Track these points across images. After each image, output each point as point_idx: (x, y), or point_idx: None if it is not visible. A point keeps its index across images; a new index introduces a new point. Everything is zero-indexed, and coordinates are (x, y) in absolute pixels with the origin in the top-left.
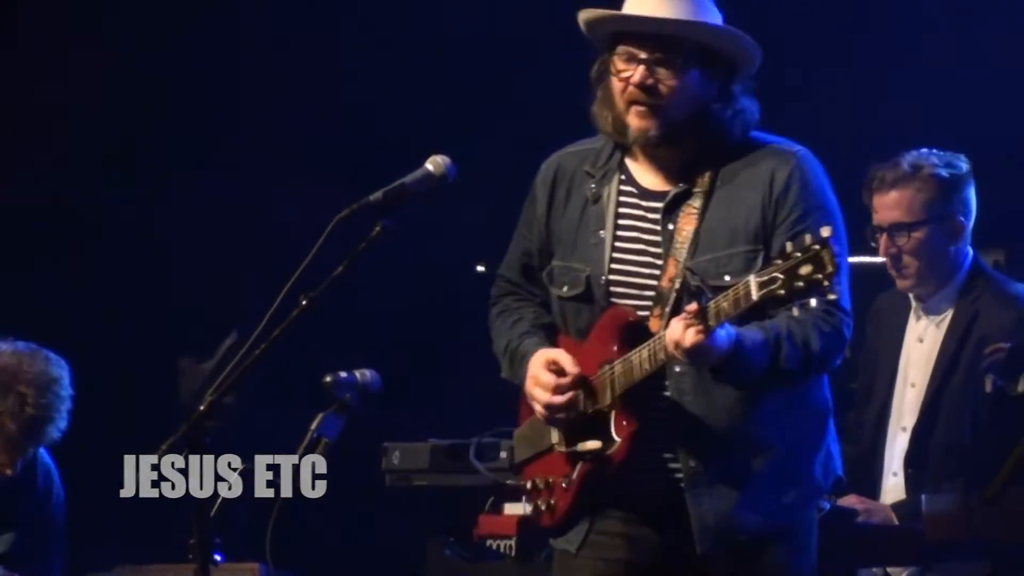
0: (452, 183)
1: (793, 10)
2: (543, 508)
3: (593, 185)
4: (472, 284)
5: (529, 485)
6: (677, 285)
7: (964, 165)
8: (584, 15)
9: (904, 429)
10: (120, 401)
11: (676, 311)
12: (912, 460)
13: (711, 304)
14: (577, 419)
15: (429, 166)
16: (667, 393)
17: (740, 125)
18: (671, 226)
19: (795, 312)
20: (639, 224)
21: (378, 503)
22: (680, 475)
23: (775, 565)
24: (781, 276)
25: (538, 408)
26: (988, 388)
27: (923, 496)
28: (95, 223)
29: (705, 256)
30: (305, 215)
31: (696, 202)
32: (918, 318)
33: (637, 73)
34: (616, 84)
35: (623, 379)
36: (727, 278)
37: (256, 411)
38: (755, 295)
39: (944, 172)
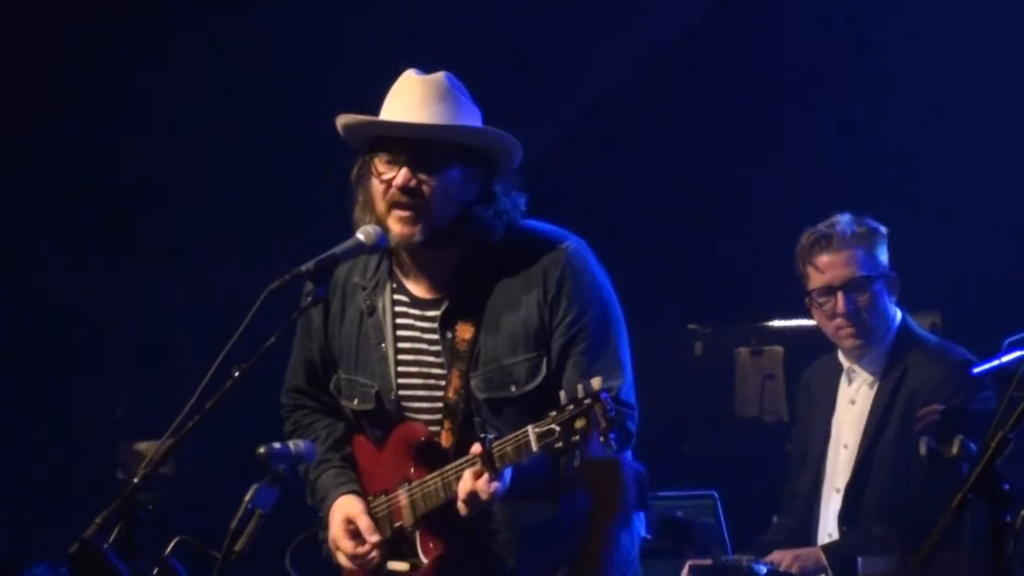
0: (383, 250)
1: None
2: None
3: (366, 297)
4: None
5: None
6: (463, 398)
7: (883, 227)
8: (342, 120)
9: (838, 490)
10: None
11: (466, 425)
12: (845, 517)
13: (495, 447)
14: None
15: (360, 236)
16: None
17: (502, 226)
18: (449, 335)
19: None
20: (417, 335)
21: (303, 571)
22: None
23: None
24: (558, 428)
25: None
26: (923, 451)
27: (859, 559)
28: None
29: (489, 367)
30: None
31: (471, 309)
32: (850, 381)
33: (400, 176)
34: (377, 186)
35: (422, 503)
36: (513, 388)
37: (191, 482)
38: (535, 446)
39: (880, 228)
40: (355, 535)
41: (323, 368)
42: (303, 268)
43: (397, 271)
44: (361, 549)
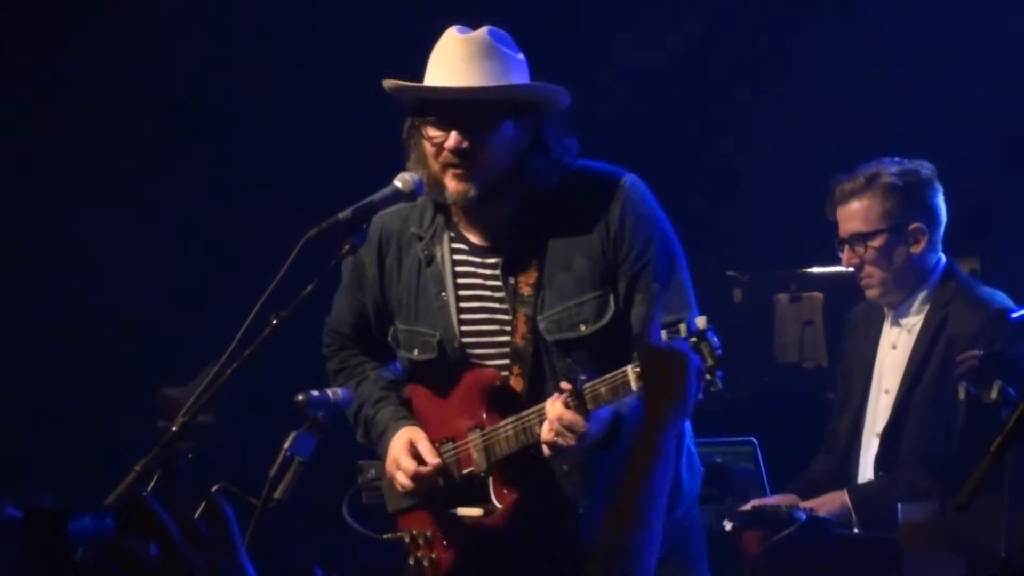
0: (420, 198)
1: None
2: (425, 563)
3: (423, 246)
4: None
5: (408, 538)
6: (532, 342)
7: (925, 171)
8: (387, 85)
9: (877, 435)
10: (99, 435)
11: (536, 368)
12: (882, 463)
13: (587, 388)
14: (447, 486)
15: (397, 183)
16: (541, 455)
17: (556, 172)
18: (512, 280)
19: None
20: (479, 282)
21: (356, 520)
22: (571, 525)
23: None
24: None
25: (400, 486)
26: (962, 396)
27: (899, 505)
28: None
29: (555, 309)
30: (274, 236)
31: (533, 253)
32: (891, 325)
33: (450, 138)
34: (429, 148)
35: (498, 449)
36: (582, 328)
37: (230, 431)
38: (634, 385)
39: (899, 181)
40: (416, 457)
41: (376, 320)
42: (340, 216)
43: (454, 220)
44: (423, 468)
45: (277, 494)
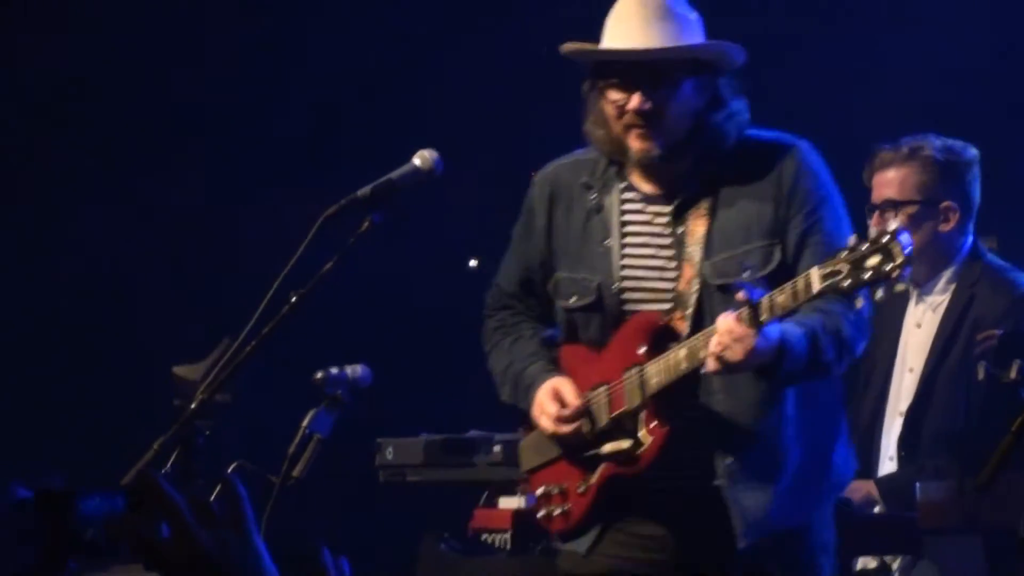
0: (440, 177)
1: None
2: (557, 513)
3: (594, 196)
4: (465, 278)
5: (541, 491)
6: (696, 286)
7: (967, 153)
8: (567, 48)
9: (900, 414)
10: (116, 412)
11: (699, 313)
12: (905, 443)
13: (764, 299)
14: (591, 433)
15: (416, 161)
16: (697, 393)
17: (735, 128)
18: (681, 229)
19: (820, 303)
20: (646, 229)
21: (372, 499)
22: (712, 474)
23: (801, 559)
24: (846, 267)
25: (542, 430)
26: (981, 375)
27: (917, 484)
28: (82, 230)
29: (721, 255)
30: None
31: (704, 203)
32: (916, 303)
33: (632, 100)
34: (610, 109)
35: (656, 380)
36: (747, 274)
37: (248, 409)
38: (816, 287)
39: (941, 156)
40: (560, 402)
41: (541, 271)
42: (359, 193)
43: (628, 170)
44: (566, 411)
45: (296, 472)
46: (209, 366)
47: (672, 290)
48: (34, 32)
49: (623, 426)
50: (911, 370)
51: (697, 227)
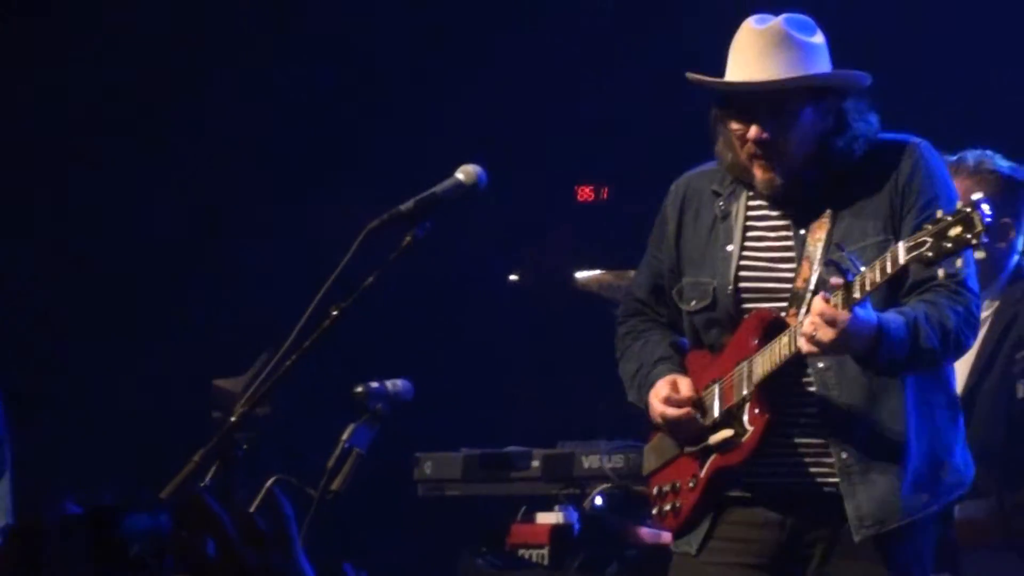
0: (483, 192)
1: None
2: (667, 510)
3: (721, 203)
4: (505, 293)
5: (655, 491)
6: (812, 284)
7: None
8: (690, 79)
9: None
10: (156, 427)
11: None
12: None
13: (856, 278)
14: (703, 428)
15: (460, 175)
16: (812, 388)
17: (860, 148)
18: (803, 232)
19: (927, 296)
20: (769, 234)
21: (410, 513)
22: (827, 468)
23: (910, 558)
24: (930, 239)
25: (656, 419)
26: (1020, 394)
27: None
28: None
29: (838, 253)
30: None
31: (828, 205)
32: None
33: (752, 131)
34: (733, 137)
35: (761, 368)
36: (862, 267)
37: (288, 422)
38: (902, 258)
39: (1006, 171)
40: (674, 388)
41: (669, 278)
42: (402, 208)
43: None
44: (675, 395)
45: (335, 485)
46: (249, 379)
47: (789, 289)
48: None
49: (732, 419)
50: None
51: (819, 228)
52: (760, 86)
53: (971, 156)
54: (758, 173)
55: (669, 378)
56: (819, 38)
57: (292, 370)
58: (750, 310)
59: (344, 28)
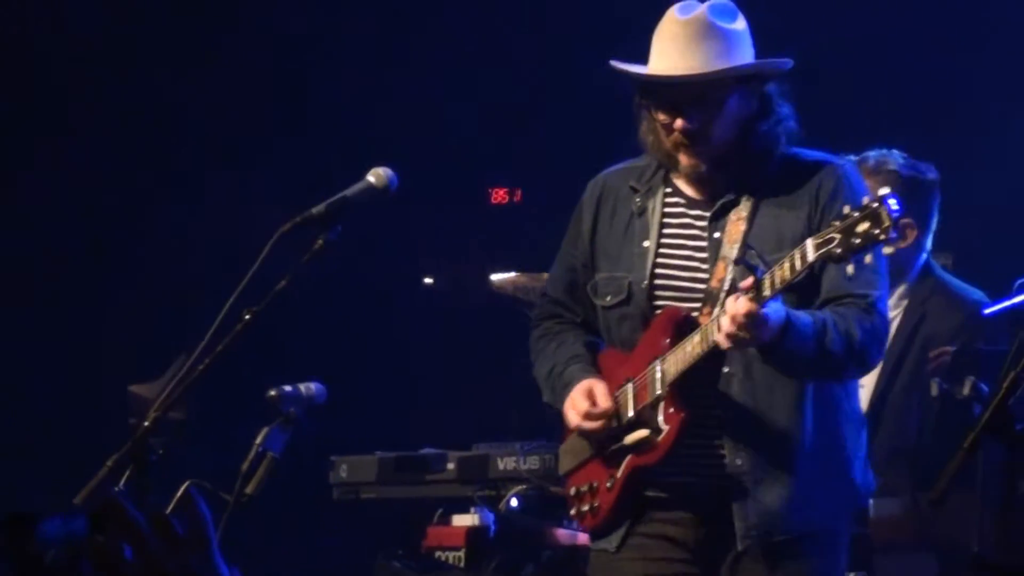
0: (394, 195)
1: None
2: (586, 510)
3: (638, 199)
4: (419, 296)
5: (573, 492)
6: (727, 284)
7: (931, 175)
8: (613, 67)
9: None
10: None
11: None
12: None
13: (766, 276)
14: (618, 428)
15: (371, 178)
16: (717, 387)
17: (783, 133)
18: (718, 234)
19: (839, 308)
20: (685, 232)
21: (326, 516)
22: (729, 467)
23: (808, 568)
24: (838, 235)
25: (572, 427)
26: (934, 392)
27: (871, 501)
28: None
29: (752, 260)
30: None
31: (743, 210)
32: None
33: (677, 122)
34: (657, 126)
35: (674, 368)
36: (750, 255)
37: (202, 427)
38: (811, 256)
39: (905, 172)
40: (592, 401)
41: (583, 274)
42: (314, 211)
43: (673, 176)
44: (594, 410)
45: (249, 489)
46: (164, 384)
47: (703, 289)
48: None
49: (647, 418)
50: (863, 386)
51: (734, 231)
52: (685, 79)
53: (873, 155)
54: (683, 159)
55: (584, 386)
56: (741, 23)
57: (205, 374)
58: (663, 307)
59: (252, 30)
